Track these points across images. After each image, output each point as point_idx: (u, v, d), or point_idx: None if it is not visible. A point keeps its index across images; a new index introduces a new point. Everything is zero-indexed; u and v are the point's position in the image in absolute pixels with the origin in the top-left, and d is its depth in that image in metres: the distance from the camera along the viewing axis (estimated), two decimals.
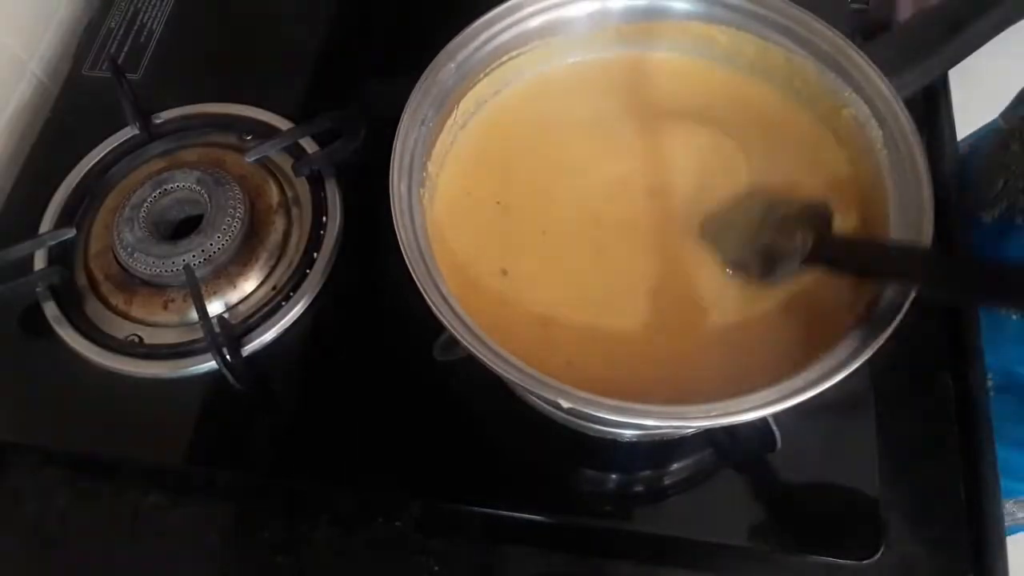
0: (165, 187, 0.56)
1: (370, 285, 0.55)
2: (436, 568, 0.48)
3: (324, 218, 0.57)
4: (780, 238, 0.42)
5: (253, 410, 0.53)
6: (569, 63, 0.50)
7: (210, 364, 0.52)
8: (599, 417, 0.35)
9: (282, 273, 0.56)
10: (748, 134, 0.48)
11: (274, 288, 0.55)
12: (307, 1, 0.71)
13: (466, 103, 0.47)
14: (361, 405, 0.52)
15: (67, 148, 0.62)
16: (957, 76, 0.54)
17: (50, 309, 0.55)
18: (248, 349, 0.53)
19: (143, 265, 0.54)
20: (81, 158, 0.61)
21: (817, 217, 0.41)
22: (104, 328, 0.55)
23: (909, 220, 0.40)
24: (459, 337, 0.37)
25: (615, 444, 0.49)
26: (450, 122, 0.46)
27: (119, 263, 0.55)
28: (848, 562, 0.45)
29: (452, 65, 0.45)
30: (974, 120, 0.65)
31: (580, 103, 0.49)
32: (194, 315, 0.52)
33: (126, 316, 0.55)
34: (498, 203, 0.47)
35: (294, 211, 0.58)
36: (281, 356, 0.54)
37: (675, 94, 0.49)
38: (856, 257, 0.40)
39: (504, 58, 0.47)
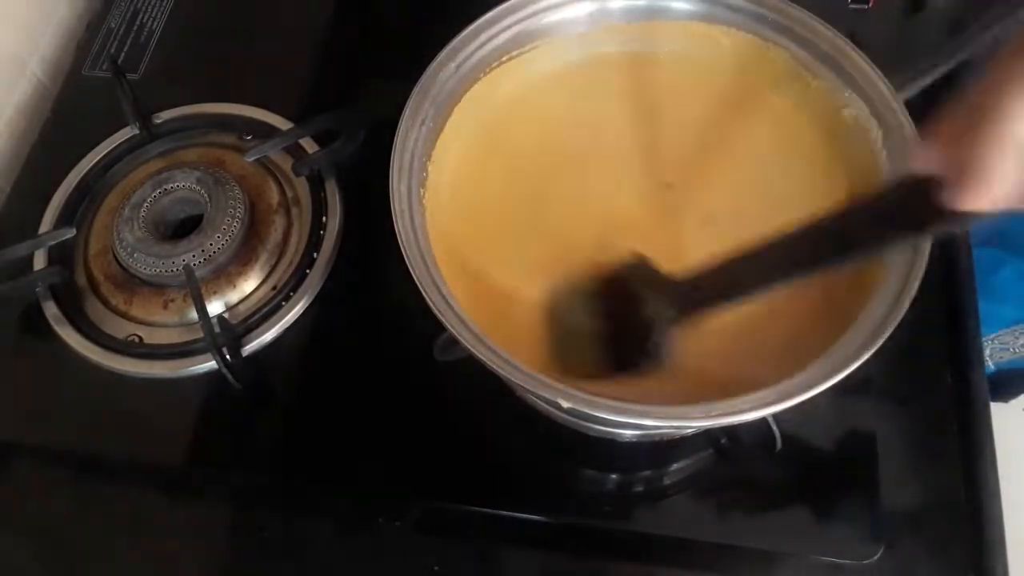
0: (165, 187, 0.56)
1: (370, 285, 0.55)
2: (436, 568, 0.48)
3: (324, 218, 0.57)
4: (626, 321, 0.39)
5: (253, 410, 0.53)
6: (569, 63, 0.50)
7: (210, 364, 0.52)
8: (599, 417, 0.35)
9: (282, 273, 0.56)
10: (747, 133, 0.48)
11: (274, 288, 0.55)
12: (307, 1, 0.71)
13: (466, 103, 0.47)
14: (361, 405, 0.52)
15: (67, 148, 0.62)
16: None
17: (50, 309, 0.55)
18: (248, 349, 0.53)
19: (143, 265, 0.54)
20: (81, 158, 0.61)
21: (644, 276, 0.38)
22: (104, 328, 0.55)
23: None
24: (459, 337, 0.37)
25: (615, 444, 0.49)
26: (450, 122, 0.46)
27: (119, 263, 0.55)
28: (848, 562, 0.45)
29: (452, 65, 0.45)
30: None
31: (580, 103, 0.49)
32: (194, 315, 0.52)
33: (126, 316, 0.55)
34: (499, 203, 0.47)
35: (294, 211, 0.58)
36: (281, 356, 0.54)
37: (675, 94, 0.49)
38: (714, 286, 0.37)
39: (504, 58, 0.47)
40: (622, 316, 0.40)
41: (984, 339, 0.67)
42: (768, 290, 0.35)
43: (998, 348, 0.71)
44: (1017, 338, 0.71)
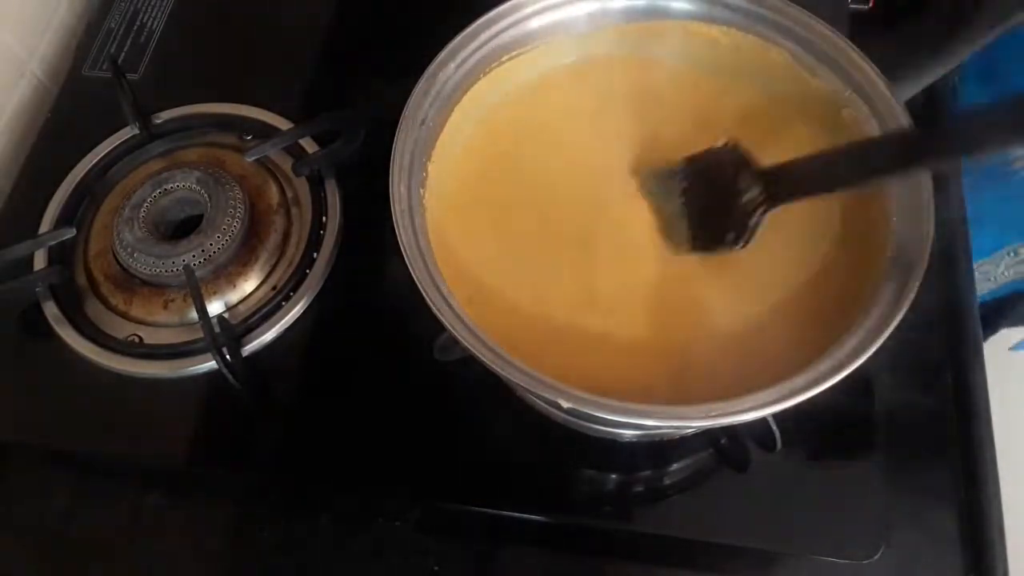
0: (165, 187, 0.56)
1: (370, 285, 0.55)
2: (436, 568, 0.48)
3: (324, 218, 0.57)
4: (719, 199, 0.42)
5: (253, 410, 0.53)
6: (569, 63, 0.50)
7: (210, 364, 0.52)
8: (599, 417, 0.35)
9: (282, 273, 0.56)
10: (748, 134, 0.48)
11: (274, 288, 0.55)
12: (307, 1, 0.71)
13: (466, 103, 0.47)
14: (361, 405, 0.52)
15: (67, 148, 0.62)
16: None
17: (50, 309, 0.55)
18: (248, 349, 0.53)
19: (143, 265, 0.54)
20: (81, 158, 0.61)
21: (738, 163, 0.42)
22: (104, 328, 0.55)
23: (910, 220, 0.40)
24: (458, 337, 0.37)
25: (615, 444, 0.49)
26: (450, 122, 0.46)
27: (119, 263, 0.55)
28: (848, 562, 0.45)
29: (452, 65, 0.45)
30: None
31: (581, 103, 0.49)
32: (194, 315, 0.52)
33: (126, 316, 0.55)
34: (498, 203, 0.47)
35: (294, 211, 0.58)
36: (281, 356, 0.54)
37: (675, 94, 0.49)
38: (811, 177, 0.41)
39: (504, 58, 0.47)
40: (713, 196, 0.43)
41: None
42: (842, 189, 0.41)
43: (979, 279, 0.68)
44: (997, 265, 0.68)
